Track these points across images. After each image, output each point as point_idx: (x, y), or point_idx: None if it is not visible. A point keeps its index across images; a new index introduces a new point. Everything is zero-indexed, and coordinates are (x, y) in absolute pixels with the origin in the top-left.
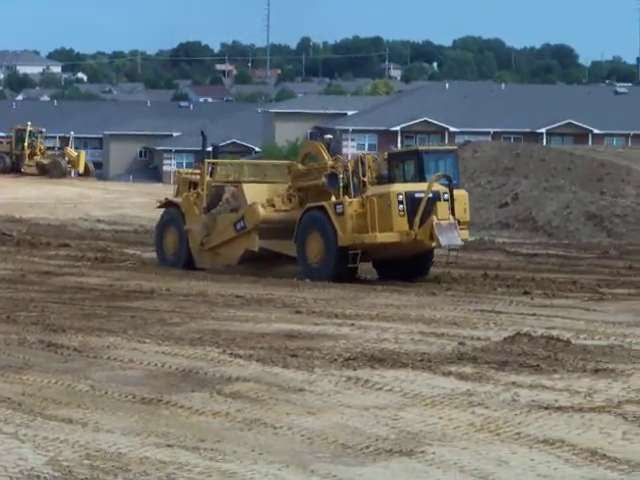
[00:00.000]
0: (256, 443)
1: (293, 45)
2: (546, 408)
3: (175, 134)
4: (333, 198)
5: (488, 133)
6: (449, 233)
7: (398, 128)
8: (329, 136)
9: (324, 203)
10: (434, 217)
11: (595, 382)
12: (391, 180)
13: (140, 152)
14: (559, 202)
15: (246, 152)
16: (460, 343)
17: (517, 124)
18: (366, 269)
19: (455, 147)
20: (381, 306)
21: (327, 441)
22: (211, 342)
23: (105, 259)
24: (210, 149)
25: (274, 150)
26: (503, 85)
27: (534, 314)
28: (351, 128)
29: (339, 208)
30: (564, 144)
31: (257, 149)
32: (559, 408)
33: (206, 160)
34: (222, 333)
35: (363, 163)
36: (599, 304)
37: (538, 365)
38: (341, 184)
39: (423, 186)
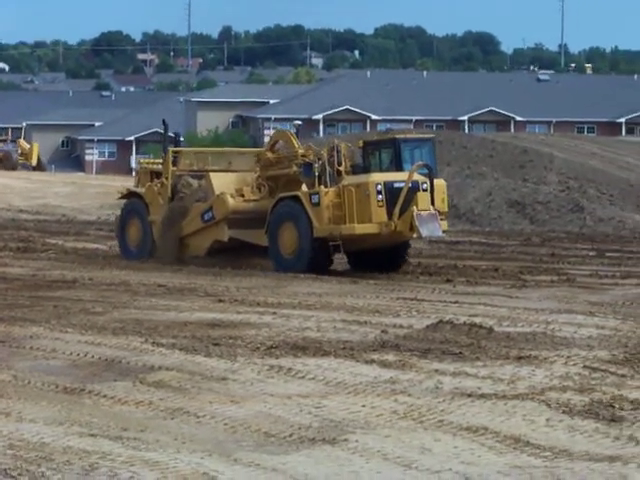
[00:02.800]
0: (179, 432)
1: (215, 34)
2: (469, 395)
3: (97, 124)
4: (304, 187)
5: (410, 121)
6: (430, 224)
7: (320, 116)
8: (298, 122)
9: (298, 193)
10: (414, 208)
11: (518, 369)
12: (366, 169)
13: (62, 142)
14: (481, 189)
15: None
16: (383, 331)
17: (439, 112)
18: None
19: (432, 135)
20: (303, 294)
21: (250, 430)
22: (134, 331)
23: (27, 249)
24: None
25: (194, 139)
26: (425, 73)
27: (457, 302)
28: (273, 117)
29: (314, 198)
30: (486, 131)
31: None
32: (482, 395)
33: (170, 149)
34: (144, 322)
35: (339, 151)
36: (521, 291)
37: (461, 352)
38: (316, 173)
39: (402, 176)
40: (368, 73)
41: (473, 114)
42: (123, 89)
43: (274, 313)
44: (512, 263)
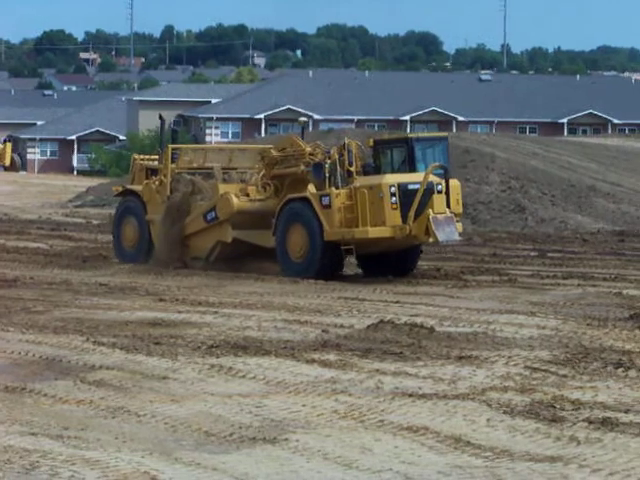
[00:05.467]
0: (120, 431)
1: (157, 33)
2: (410, 395)
3: (39, 123)
4: (311, 187)
5: (352, 121)
6: (446, 228)
7: (262, 116)
8: (303, 119)
9: (308, 194)
10: (430, 211)
11: (459, 369)
12: (377, 169)
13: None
14: None
15: (110, 140)
16: (324, 331)
17: (381, 111)
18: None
19: (446, 134)
20: (244, 294)
21: (191, 429)
22: (75, 330)
23: None
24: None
25: (136, 139)
26: (367, 72)
27: (398, 302)
28: (215, 116)
29: (325, 200)
30: (428, 131)
31: (121, 137)
32: (423, 395)
33: (169, 145)
34: (86, 321)
35: (350, 151)
36: (463, 291)
37: (402, 352)
38: (327, 174)
39: (417, 177)
40: (310, 73)
41: (415, 114)
42: (65, 88)
43: (215, 312)
44: (454, 263)
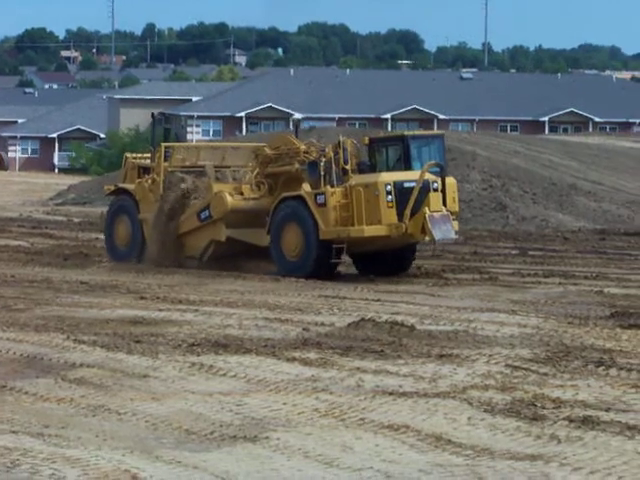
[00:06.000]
0: (100, 429)
1: (138, 31)
2: (391, 393)
3: (20, 120)
4: (306, 186)
5: (333, 119)
6: (443, 226)
7: (243, 114)
8: (298, 117)
9: (302, 193)
10: (426, 209)
11: (440, 367)
12: (372, 168)
13: None
14: None
15: (91, 138)
16: (304, 329)
17: (362, 110)
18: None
19: (442, 132)
20: (225, 292)
21: (171, 427)
22: (56, 328)
23: None
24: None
25: (116, 137)
26: (348, 71)
27: (378, 300)
28: (196, 114)
29: (320, 198)
30: (409, 130)
31: (102, 135)
32: (404, 393)
33: (162, 144)
34: (67, 319)
35: (345, 149)
36: (444, 289)
37: (382, 350)
38: (322, 172)
39: (413, 175)
40: (291, 71)
41: (396, 112)
42: (46, 86)
43: (196, 310)
44: (434, 261)
